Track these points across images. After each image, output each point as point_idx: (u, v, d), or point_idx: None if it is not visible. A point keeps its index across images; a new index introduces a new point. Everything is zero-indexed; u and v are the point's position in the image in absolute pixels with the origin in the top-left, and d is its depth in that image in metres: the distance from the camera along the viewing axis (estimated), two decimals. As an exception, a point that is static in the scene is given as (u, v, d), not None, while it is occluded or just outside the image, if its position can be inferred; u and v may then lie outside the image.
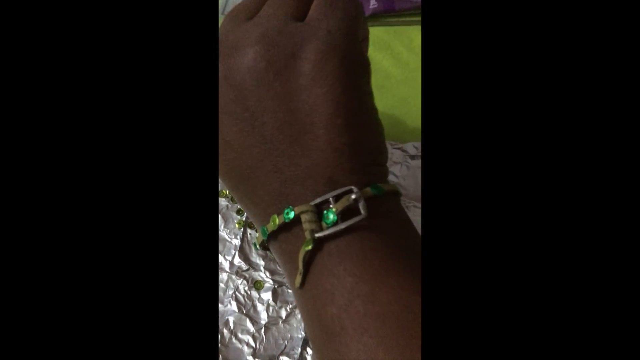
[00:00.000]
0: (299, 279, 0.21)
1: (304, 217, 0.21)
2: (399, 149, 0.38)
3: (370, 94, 0.24)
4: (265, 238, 0.23)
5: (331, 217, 0.20)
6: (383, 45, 0.46)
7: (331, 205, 0.21)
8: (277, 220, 0.22)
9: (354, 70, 0.22)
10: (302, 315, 0.22)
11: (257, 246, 0.25)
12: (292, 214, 0.21)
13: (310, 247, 0.20)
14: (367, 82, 0.24)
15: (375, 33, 0.47)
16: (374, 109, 0.24)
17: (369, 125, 0.23)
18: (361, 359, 0.18)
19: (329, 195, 0.21)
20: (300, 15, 0.24)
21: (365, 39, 0.26)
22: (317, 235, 0.20)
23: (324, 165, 0.21)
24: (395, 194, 0.23)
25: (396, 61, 0.45)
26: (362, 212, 0.20)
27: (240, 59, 0.22)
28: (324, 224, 0.21)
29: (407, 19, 0.47)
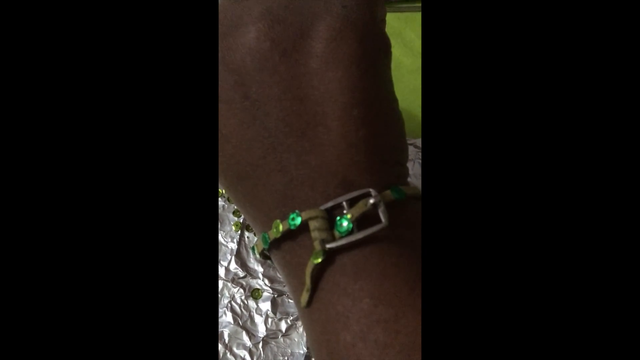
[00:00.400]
0: (305, 296, 0.18)
1: (312, 224, 0.18)
2: (411, 144, 0.35)
3: (390, 81, 0.21)
4: (266, 247, 0.20)
5: (345, 224, 0.17)
6: (393, 33, 0.43)
7: (345, 211, 0.18)
8: (281, 227, 0.18)
9: (373, 52, 0.19)
10: (308, 340, 0.19)
11: (257, 254, 0.21)
12: (298, 220, 0.18)
13: (319, 260, 0.17)
14: (388, 66, 0.21)
15: (386, 20, 0.44)
16: (394, 99, 0.21)
17: (389, 117, 0.20)
18: None
19: (343, 199, 0.18)
20: None
21: (382, 20, 0.23)
22: (328, 246, 0.17)
23: (337, 163, 0.18)
24: (418, 199, 0.20)
25: (407, 50, 0.42)
26: (383, 219, 0.17)
27: (240, 39, 0.19)
28: (336, 233, 0.18)
29: (419, 4, 0.44)
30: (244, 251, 0.32)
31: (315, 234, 0.18)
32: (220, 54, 0.19)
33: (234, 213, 0.34)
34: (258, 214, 0.20)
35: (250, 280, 0.31)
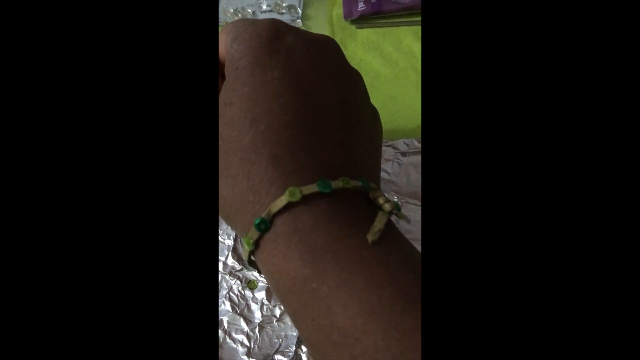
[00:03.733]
0: (376, 234, 0.20)
1: (379, 195, 0.21)
2: (390, 146, 0.38)
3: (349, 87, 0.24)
4: (251, 248, 0.22)
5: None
6: (372, 46, 0.46)
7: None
8: (252, 235, 0.21)
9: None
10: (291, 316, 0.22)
11: (246, 262, 0.24)
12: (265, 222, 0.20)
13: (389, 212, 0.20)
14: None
15: (365, 34, 0.47)
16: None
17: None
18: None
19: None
20: None
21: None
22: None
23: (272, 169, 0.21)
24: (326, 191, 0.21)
25: (385, 61, 0.45)
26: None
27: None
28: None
29: (396, 20, 0.48)
30: (239, 246, 0.35)
31: (381, 200, 0.21)
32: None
33: (229, 213, 0.36)
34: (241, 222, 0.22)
35: (246, 272, 0.34)
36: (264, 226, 0.20)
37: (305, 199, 0.20)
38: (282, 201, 0.20)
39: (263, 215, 0.20)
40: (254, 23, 0.24)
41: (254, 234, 0.20)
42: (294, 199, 0.20)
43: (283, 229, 0.20)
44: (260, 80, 0.22)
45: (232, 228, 0.23)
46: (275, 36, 0.23)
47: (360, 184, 0.21)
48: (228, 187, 0.22)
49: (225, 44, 0.24)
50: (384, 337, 0.18)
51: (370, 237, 0.20)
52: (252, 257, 0.22)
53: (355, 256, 0.19)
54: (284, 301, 0.21)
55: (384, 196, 0.21)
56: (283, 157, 0.21)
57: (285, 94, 0.22)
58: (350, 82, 0.24)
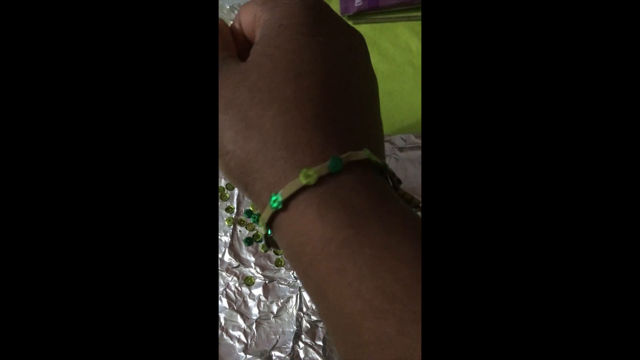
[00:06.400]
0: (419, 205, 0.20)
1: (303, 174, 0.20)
2: (387, 141, 0.38)
3: (361, 67, 0.24)
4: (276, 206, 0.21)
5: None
6: (369, 42, 0.45)
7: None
8: (280, 196, 0.20)
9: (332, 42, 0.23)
10: (311, 297, 0.21)
11: (261, 247, 0.24)
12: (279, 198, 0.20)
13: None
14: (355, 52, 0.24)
15: (362, 30, 0.47)
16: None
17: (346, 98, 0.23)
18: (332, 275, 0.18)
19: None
20: (242, 52, 0.24)
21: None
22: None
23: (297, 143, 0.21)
24: (365, 164, 0.22)
25: (382, 57, 0.45)
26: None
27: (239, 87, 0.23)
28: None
29: (392, 15, 0.47)
30: (236, 243, 0.35)
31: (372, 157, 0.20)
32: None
33: (226, 209, 0.36)
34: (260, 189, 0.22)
35: (243, 269, 0.34)
36: (308, 181, 0.19)
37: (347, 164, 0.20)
38: (324, 168, 0.19)
39: (308, 171, 0.19)
40: None
41: (288, 190, 0.19)
42: (336, 169, 0.19)
43: (320, 188, 0.19)
44: (306, 40, 0.22)
45: (239, 184, 0.22)
46: (319, 7, 0.24)
47: (379, 161, 0.21)
48: (256, 140, 0.21)
49: (254, 11, 0.24)
50: None
51: (413, 208, 0.20)
52: (269, 228, 0.21)
53: (400, 221, 0.19)
54: (309, 269, 0.20)
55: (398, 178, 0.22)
56: (325, 118, 0.21)
57: (330, 59, 0.22)
58: (371, 79, 0.25)
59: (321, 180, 0.19)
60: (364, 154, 0.20)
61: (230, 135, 0.21)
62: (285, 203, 0.20)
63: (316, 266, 0.19)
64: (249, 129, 0.21)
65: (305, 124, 0.20)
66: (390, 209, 0.19)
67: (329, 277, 0.19)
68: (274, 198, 0.20)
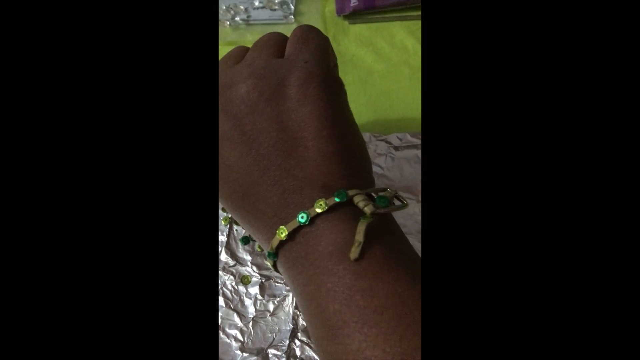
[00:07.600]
0: (356, 250, 0.21)
1: (357, 198, 0.22)
2: (382, 140, 0.38)
3: (348, 109, 0.27)
4: (274, 259, 0.24)
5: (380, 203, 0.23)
6: (365, 42, 0.46)
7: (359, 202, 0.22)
8: (285, 231, 0.23)
9: (331, 89, 0.26)
10: (304, 316, 0.23)
11: (269, 262, 0.25)
12: (306, 217, 0.22)
13: (370, 220, 0.21)
14: (345, 99, 0.27)
15: (357, 30, 0.47)
16: (354, 122, 0.27)
17: (352, 135, 0.25)
18: (363, 347, 0.19)
19: (324, 200, 0.22)
20: (279, 54, 0.28)
21: (335, 66, 0.31)
22: (375, 211, 0.22)
23: (317, 173, 0.23)
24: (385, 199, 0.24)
25: (378, 56, 0.45)
26: (402, 202, 0.24)
27: (235, 92, 0.26)
28: (372, 206, 0.22)
29: (388, 15, 0.48)
30: (233, 242, 0.35)
31: (361, 204, 0.22)
32: (220, 105, 0.26)
33: (222, 209, 0.36)
34: (260, 223, 0.25)
35: (240, 268, 0.34)
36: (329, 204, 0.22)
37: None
38: (332, 201, 0.22)
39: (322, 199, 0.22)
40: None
41: (320, 205, 0.22)
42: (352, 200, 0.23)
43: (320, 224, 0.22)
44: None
45: (236, 203, 0.25)
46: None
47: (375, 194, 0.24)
48: (260, 167, 0.24)
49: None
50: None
51: (352, 256, 0.21)
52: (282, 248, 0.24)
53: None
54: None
55: (365, 198, 0.22)
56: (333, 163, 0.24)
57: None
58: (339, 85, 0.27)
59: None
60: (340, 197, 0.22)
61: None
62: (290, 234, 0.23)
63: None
64: (252, 147, 0.25)
65: (322, 159, 0.24)
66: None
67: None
68: (304, 213, 0.22)
